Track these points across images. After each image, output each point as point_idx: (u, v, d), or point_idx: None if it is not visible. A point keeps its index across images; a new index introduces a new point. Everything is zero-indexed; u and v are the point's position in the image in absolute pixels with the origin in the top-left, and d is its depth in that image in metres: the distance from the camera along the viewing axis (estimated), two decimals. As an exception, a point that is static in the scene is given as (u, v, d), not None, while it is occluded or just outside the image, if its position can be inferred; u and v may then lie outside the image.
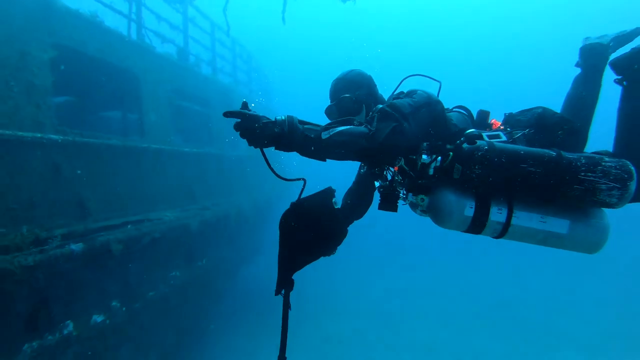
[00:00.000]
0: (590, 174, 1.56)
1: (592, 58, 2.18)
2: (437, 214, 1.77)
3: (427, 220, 1.99)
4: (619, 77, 1.92)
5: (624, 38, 2.16)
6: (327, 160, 1.66)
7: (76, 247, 3.69)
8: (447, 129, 1.86)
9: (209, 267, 7.41)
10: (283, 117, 1.54)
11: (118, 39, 5.61)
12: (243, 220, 8.73)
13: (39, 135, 3.82)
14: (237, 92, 10.94)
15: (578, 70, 2.27)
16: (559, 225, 1.64)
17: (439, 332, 9.78)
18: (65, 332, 3.84)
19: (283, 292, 1.74)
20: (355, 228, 2.30)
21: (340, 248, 2.07)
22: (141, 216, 5.14)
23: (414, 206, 1.97)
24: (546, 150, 1.63)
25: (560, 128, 1.80)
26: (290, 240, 1.75)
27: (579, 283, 13.29)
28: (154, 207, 5.66)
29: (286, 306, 1.71)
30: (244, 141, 1.51)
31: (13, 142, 3.58)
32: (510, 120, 2.02)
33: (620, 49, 2.14)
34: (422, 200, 1.81)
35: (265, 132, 1.48)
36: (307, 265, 1.85)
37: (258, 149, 1.55)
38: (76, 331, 3.96)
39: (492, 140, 1.75)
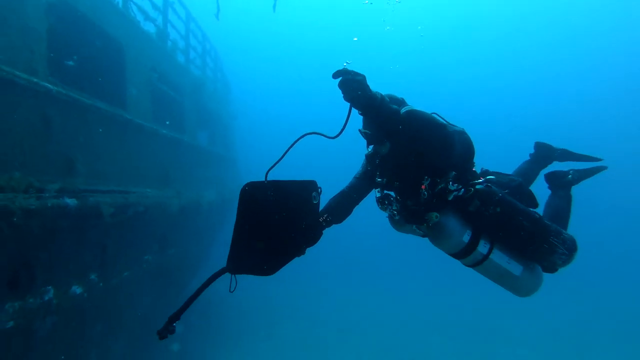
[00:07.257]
0: (555, 239, 2.00)
1: (541, 152, 2.79)
2: (439, 233, 2.06)
3: (389, 235, 2.15)
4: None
5: (569, 156, 2.76)
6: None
7: (71, 201, 3.38)
8: (472, 164, 2.17)
9: (177, 258, 7.02)
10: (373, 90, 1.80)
11: (107, 2, 5.33)
12: (213, 212, 8.44)
13: (35, 80, 3.49)
14: (206, 86, 10.68)
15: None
16: (516, 268, 2.06)
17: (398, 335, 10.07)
18: (46, 297, 3.44)
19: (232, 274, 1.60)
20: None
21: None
22: (124, 188, 4.81)
23: (398, 222, 2.20)
24: (533, 211, 2.08)
25: (528, 198, 2.24)
26: (251, 214, 1.58)
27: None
28: (132, 183, 5.31)
29: (213, 278, 1.59)
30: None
31: (7, 81, 3.24)
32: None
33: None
34: (436, 217, 2.03)
35: (367, 92, 1.73)
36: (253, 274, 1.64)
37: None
38: (56, 299, 3.57)
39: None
